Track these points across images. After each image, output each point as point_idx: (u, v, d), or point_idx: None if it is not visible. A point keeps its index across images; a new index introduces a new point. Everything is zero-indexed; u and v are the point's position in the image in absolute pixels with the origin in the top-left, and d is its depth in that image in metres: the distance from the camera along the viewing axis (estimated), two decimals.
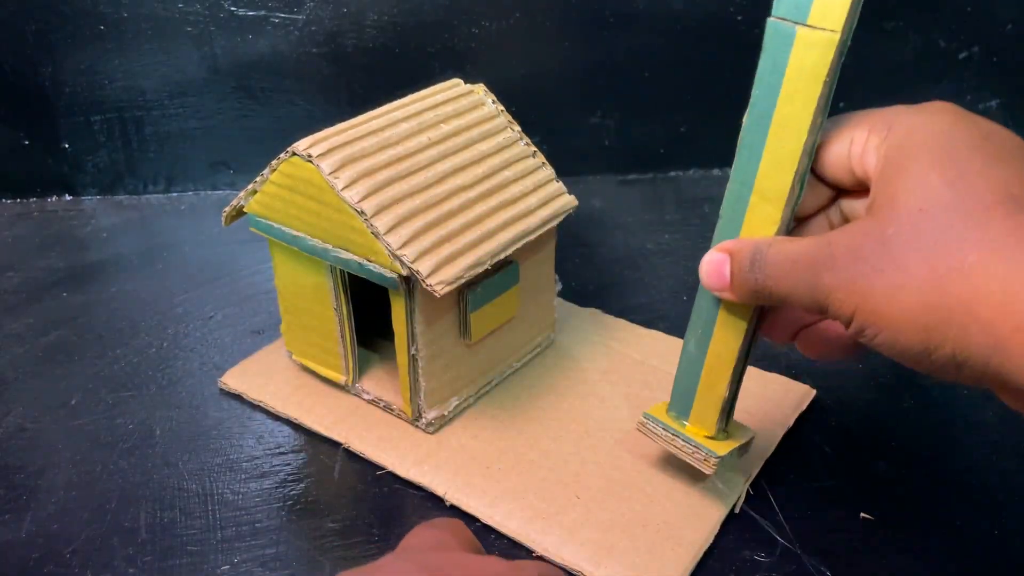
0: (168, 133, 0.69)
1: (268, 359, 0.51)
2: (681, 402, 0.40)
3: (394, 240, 0.40)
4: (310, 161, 0.40)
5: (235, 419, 0.47)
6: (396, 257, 0.40)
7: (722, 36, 0.68)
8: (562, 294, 0.55)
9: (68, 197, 0.71)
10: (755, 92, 0.33)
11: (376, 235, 0.40)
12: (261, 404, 0.48)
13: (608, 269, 0.61)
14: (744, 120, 0.33)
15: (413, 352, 0.43)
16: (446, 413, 0.45)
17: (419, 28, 0.66)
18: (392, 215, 0.40)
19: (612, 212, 0.68)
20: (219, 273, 0.60)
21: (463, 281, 0.41)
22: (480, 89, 0.48)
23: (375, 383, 0.47)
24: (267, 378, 0.49)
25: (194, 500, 0.42)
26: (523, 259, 0.46)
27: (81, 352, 0.53)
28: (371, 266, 0.41)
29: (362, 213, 0.40)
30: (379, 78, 0.67)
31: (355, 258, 0.41)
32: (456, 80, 0.48)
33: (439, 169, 0.43)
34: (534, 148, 0.47)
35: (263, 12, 0.65)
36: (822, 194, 0.35)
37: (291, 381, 0.49)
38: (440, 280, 0.40)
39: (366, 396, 0.47)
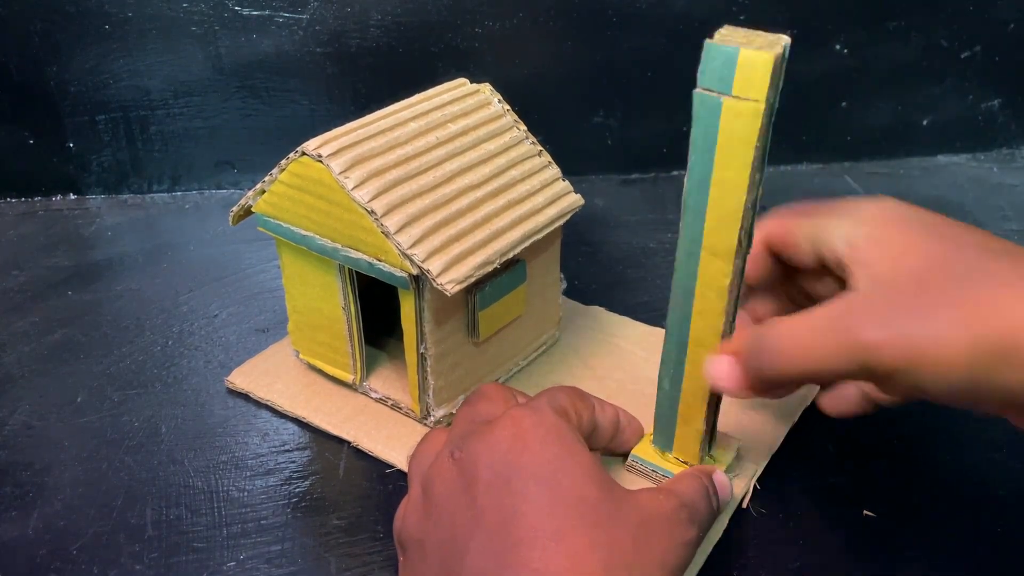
0: (173, 132, 0.69)
1: (274, 358, 0.51)
2: (663, 435, 0.42)
3: (404, 239, 0.40)
4: (320, 161, 0.40)
5: (240, 417, 0.48)
6: (406, 256, 0.40)
7: None
8: (566, 293, 0.56)
9: (73, 196, 0.71)
10: (692, 158, 0.33)
11: (386, 235, 0.40)
12: (269, 403, 0.48)
13: (611, 268, 0.61)
14: (685, 183, 0.34)
15: (422, 351, 0.43)
16: (454, 411, 0.45)
17: (423, 28, 0.66)
18: (402, 214, 0.40)
19: (615, 211, 0.68)
20: (224, 272, 0.61)
21: (473, 280, 0.41)
22: (486, 88, 0.48)
23: (383, 382, 0.48)
24: (274, 377, 0.49)
25: (200, 497, 0.42)
26: (530, 258, 0.46)
27: (87, 350, 0.53)
28: (381, 265, 0.41)
29: (372, 213, 0.40)
30: (383, 78, 0.68)
31: (365, 257, 0.42)
32: (462, 79, 0.48)
33: (447, 168, 0.43)
34: (540, 147, 0.47)
35: (267, 12, 0.65)
36: (771, 270, 0.39)
37: (298, 380, 0.49)
38: (451, 279, 0.40)
39: (374, 395, 0.47)
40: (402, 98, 0.46)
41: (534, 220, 0.45)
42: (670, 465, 0.42)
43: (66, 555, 0.39)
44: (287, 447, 0.45)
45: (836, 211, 0.35)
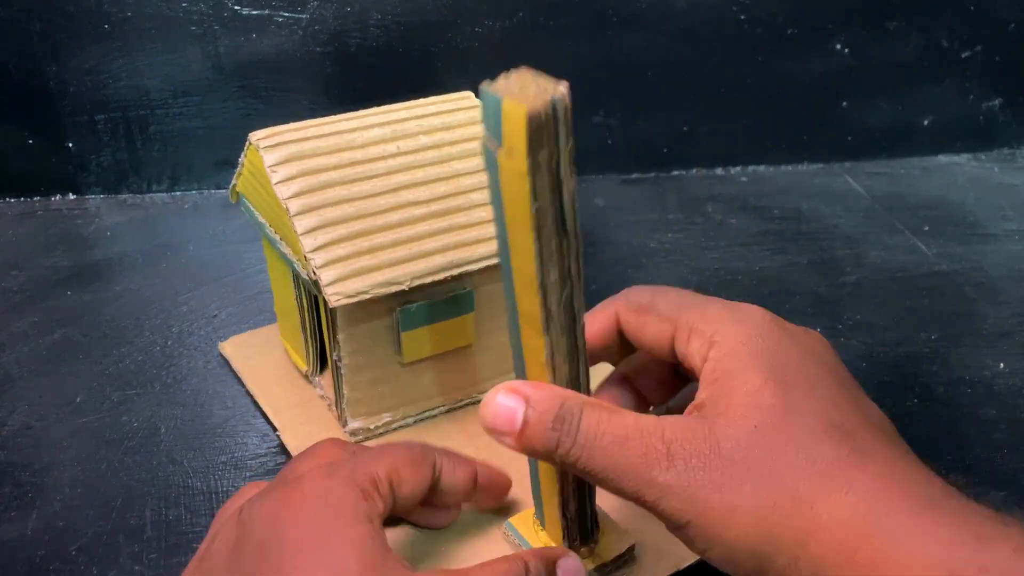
0: (172, 132, 0.69)
1: (268, 334, 0.52)
2: (538, 509, 0.37)
3: (309, 242, 0.39)
4: (259, 151, 0.41)
5: (239, 417, 0.47)
6: (306, 260, 0.39)
7: (724, 35, 0.68)
8: None
9: (72, 196, 0.71)
10: (494, 212, 0.29)
11: (296, 234, 0.39)
12: (236, 374, 0.49)
13: (611, 268, 0.61)
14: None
15: (335, 358, 0.42)
16: (372, 427, 0.44)
17: (422, 27, 0.66)
18: (316, 217, 0.39)
19: (615, 211, 0.68)
20: (223, 272, 0.61)
21: (367, 297, 0.39)
22: None
23: (330, 380, 0.46)
24: (256, 351, 0.50)
25: (199, 498, 0.42)
26: (488, 288, 0.43)
27: (86, 350, 0.53)
28: (296, 264, 0.41)
29: (287, 210, 0.39)
30: (382, 77, 0.67)
31: (289, 253, 0.41)
32: (467, 93, 0.47)
33: (394, 180, 0.41)
34: None
35: (267, 11, 0.65)
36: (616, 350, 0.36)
37: (273, 360, 0.50)
38: (338, 292, 0.38)
39: (319, 391, 0.47)
40: (402, 98, 0.46)
41: (474, 249, 0.41)
42: (537, 542, 0.37)
43: (65, 555, 0.39)
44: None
45: (701, 324, 0.32)
